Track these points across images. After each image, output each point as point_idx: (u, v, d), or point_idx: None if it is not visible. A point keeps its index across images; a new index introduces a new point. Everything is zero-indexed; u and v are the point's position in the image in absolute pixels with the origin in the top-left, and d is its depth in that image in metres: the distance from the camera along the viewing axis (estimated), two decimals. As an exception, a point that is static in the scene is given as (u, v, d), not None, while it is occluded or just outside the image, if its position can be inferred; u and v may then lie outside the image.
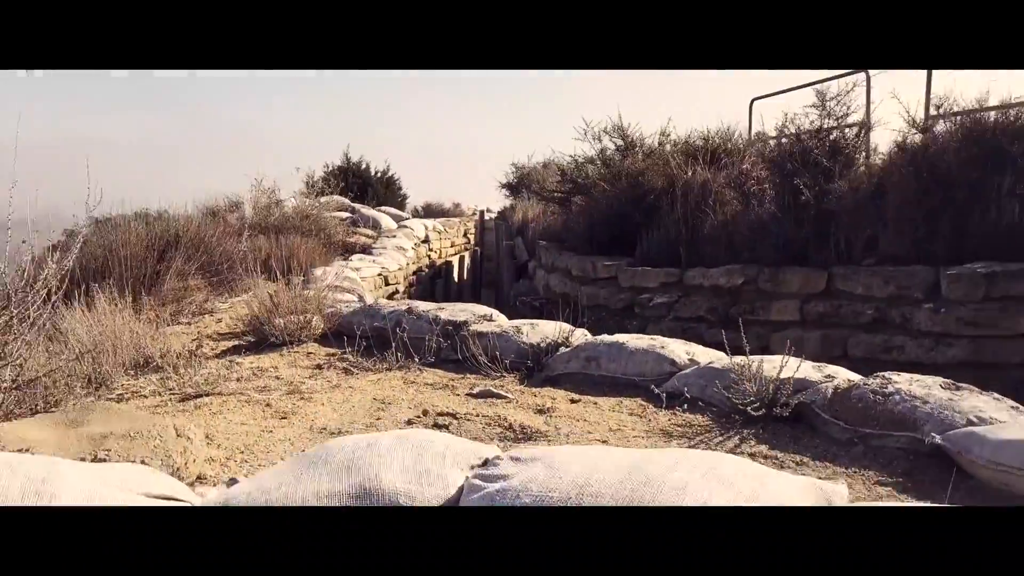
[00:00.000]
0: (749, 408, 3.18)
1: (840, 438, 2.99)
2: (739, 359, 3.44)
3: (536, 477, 1.81)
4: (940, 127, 6.58)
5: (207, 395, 3.61)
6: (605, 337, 4.19)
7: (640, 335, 4.26)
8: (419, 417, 3.29)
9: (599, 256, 8.31)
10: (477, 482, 1.91)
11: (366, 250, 10.73)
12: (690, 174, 7.82)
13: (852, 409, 3.03)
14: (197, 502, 1.91)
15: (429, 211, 19.92)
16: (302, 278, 6.83)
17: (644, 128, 10.30)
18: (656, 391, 3.58)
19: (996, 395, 2.96)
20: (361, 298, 6.77)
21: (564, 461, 1.82)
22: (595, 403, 3.54)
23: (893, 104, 6.80)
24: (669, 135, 9.82)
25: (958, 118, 6.37)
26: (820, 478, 2.64)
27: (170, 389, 3.69)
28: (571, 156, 10.86)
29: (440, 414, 3.31)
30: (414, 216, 16.43)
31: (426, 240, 13.52)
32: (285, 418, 3.29)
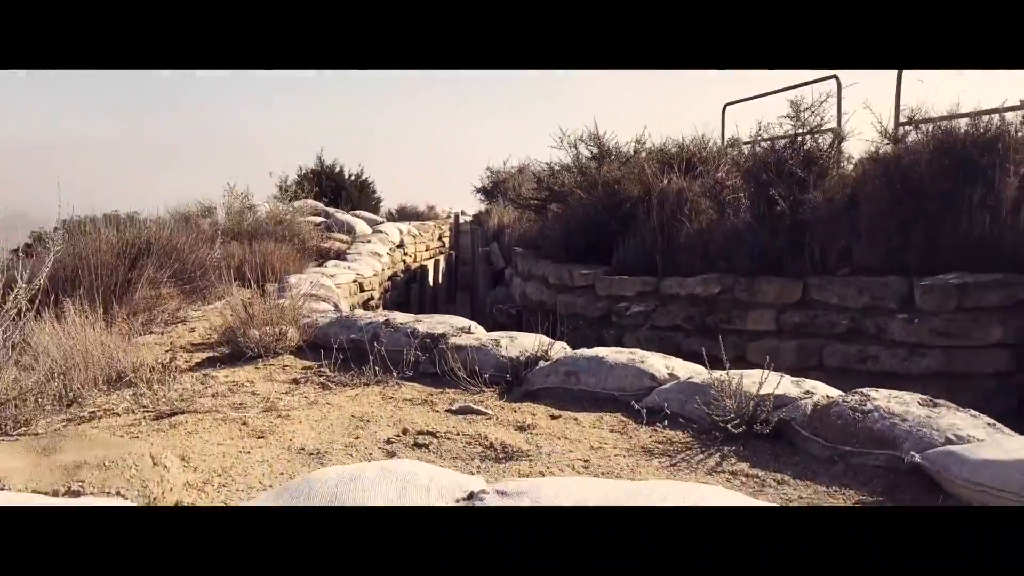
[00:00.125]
0: (729, 425, 3.18)
1: (820, 455, 3.00)
2: (719, 374, 3.45)
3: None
4: (912, 137, 6.67)
5: (182, 412, 3.54)
6: (585, 351, 4.18)
7: (620, 348, 4.26)
8: (399, 436, 3.25)
9: (576, 264, 8.32)
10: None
11: (341, 256, 10.65)
12: (666, 182, 7.86)
13: (832, 426, 3.05)
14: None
15: (403, 214, 19.86)
16: (276, 286, 6.76)
17: (620, 136, 10.36)
18: (636, 406, 3.57)
19: (973, 412, 2.99)
20: (337, 307, 6.72)
21: (551, 496, 1.81)
22: (576, 419, 3.53)
23: (866, 114, 6.89)
24: (644, 143, 9.87)
25: (929, 128, 6.46)
26: (801, 497, 2.66)
27: (144, 407, 3.62)
28: (547, 163, 10.88)
29: (420, 432, 3.27)
30: (388, 219, 16.35)
31: (401, 245, 13.45)
32: (262, 437, 3.24)
